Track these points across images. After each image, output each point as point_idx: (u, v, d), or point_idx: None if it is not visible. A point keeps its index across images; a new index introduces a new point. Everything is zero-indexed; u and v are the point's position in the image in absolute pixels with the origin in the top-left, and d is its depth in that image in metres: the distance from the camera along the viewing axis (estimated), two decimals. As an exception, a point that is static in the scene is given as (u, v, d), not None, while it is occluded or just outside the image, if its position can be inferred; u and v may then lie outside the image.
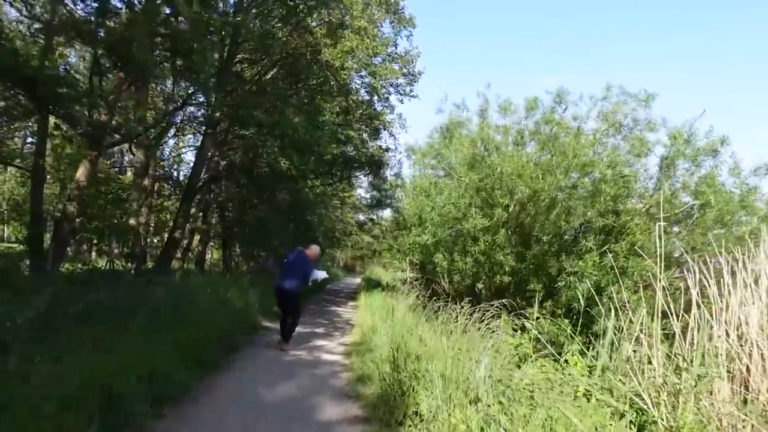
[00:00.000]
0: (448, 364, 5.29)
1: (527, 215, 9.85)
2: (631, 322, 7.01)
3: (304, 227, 22.62)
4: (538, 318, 10.35)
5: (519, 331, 7.83)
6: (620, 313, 8.76)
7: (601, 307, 9.16)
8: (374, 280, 25.17)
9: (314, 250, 9.06)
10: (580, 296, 8.78)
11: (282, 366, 7.21)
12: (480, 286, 10.40)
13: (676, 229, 9.03)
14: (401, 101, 25.86)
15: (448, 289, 14.64)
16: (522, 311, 10.40)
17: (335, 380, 6.67)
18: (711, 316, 5.78)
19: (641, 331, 6.50)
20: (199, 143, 16.37)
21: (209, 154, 16.48)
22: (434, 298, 16.31)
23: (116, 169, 25.26)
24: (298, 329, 10.98)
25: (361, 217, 30.42)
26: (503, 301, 11.15)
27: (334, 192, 26.40)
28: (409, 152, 16.32)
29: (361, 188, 29.67)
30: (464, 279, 10.48)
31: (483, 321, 9.36)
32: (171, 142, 23.83)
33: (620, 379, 5.50)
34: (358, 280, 36.83)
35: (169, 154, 25.25)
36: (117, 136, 13.07)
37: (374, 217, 22.74)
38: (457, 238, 10.72)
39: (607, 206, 9.05)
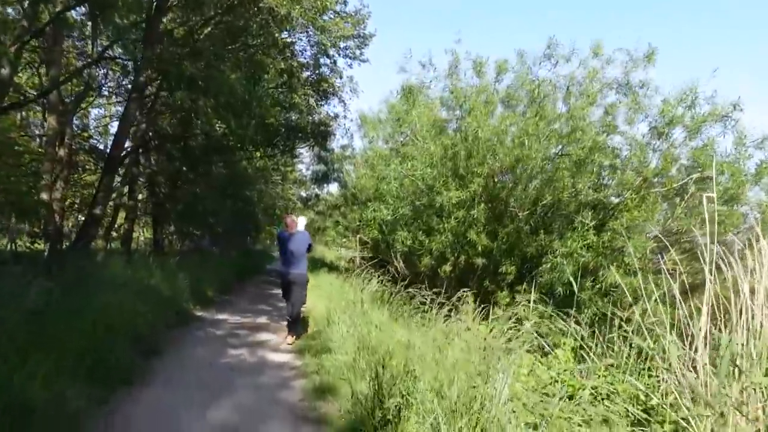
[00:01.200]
0: (444, 378, 3.96)
1: (503, 188, 8.63)
2: (644, 311, 5.92)
3: (243, 204, 20.80)
4: (518, 303, 9.23)
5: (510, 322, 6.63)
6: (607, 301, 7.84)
7: (590, 291, 8.18)
8: (318, 259, 23.61)
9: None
10: (572, 280, 7.65)
11: (217, 374, 5.66)
12: (447, 268, 9.17)
13: (667, 206, 8.04)
14: (350, 65, 24.10)
15: (403, 270, 13.35)
16: (500, 296, 9.29)
17: (287, 393, 5.20)
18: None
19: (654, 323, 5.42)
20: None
21: (135, 121, 14.36)
22: (388, 281, 15.17)
23: (27, 136, 22.37)
24: (237, 319, 9.46)
25: (304, 193, 28.60)
26: (470, 286, 10.10)
27: (275, 166, 24.56)
28: (362, 122, 14.82)
29: (303, 164, 27.89)
30: (433, 260, 9.20)
31: (455, 310, 8.22)
32: (97, 111, 21.26)
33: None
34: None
35: (96, 124, 22.59)
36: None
37: (319, 192, 21.14)
38: (422, 213, 9.41)
39: (600, 179, 7.92)
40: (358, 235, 15.41)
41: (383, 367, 3.96)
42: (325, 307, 8.74)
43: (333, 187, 21.58)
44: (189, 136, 15.78)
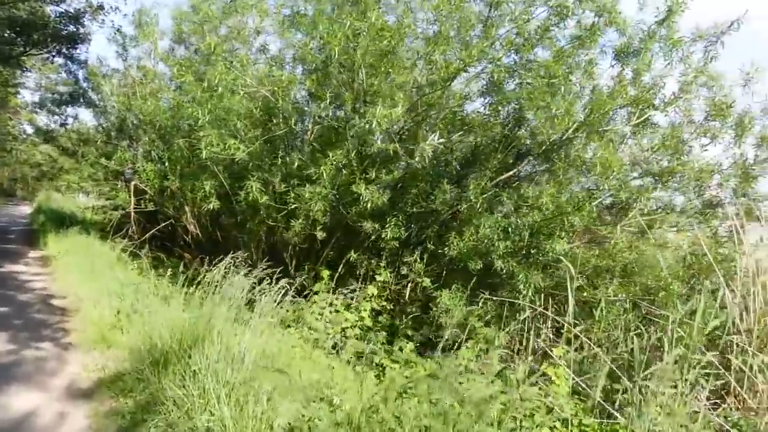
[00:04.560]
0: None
1: (430, 105, 5.82)
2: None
3: None
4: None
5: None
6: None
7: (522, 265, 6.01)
8: (56, 211, 17.64)
9: None
10: (500, 249, 5.36)
11: None
12: (320, 234, 6.13)
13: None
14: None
15: (197, 235, 9.77)
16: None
17: None
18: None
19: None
20: None
21: None
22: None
23: None
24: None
25: (43, 122, 20.87)
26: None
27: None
28: (140, 21, 10.29)
29: (28, 89, 20.57)
30: (304, 222, 5.99)
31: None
32: None
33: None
34: (26, 210, 27.38)
35: None
36: None
37: (66, 121, 15.09)
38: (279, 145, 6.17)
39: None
40: (133, 183, 11.03)
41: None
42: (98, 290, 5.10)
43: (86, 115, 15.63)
44: None
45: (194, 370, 3.32)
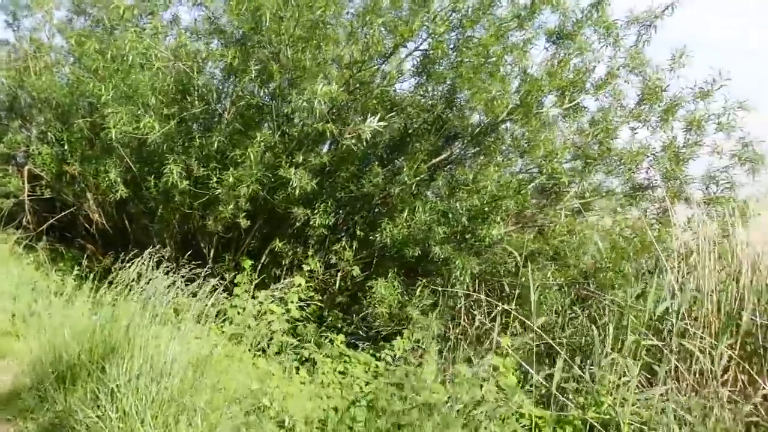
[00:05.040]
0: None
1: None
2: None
3: None
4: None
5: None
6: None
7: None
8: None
9: None
10: (439, 235, 5.13)
11: None
12: (243, 222, 5.59)
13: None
14: None
15: (101, 224, 8.89)
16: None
17: None
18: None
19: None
20: None
21: None
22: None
23: None
24: None
25: None
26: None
27: None
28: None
29: None
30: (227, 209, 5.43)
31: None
32: None
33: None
34: None
35: None
36: None
37: None
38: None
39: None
40: (26, 168, 9.91)
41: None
42: None
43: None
44: None
45: (111, 388, 2.78)
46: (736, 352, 3.75)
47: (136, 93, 5.31)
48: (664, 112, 5.73)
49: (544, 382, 3.48)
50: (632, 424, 2.98)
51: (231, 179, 5.18)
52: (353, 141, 4.92)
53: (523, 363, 3.82)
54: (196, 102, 5.75)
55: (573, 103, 5.92)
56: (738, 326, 3.83)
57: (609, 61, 5.93)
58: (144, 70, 5.27)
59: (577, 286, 5.34)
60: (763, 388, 3.52)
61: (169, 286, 4.01)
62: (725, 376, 3.70)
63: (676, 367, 3.60)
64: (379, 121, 4.83)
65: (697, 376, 3.60)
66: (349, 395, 4.40)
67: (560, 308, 5.15)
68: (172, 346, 2.99)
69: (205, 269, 4.74)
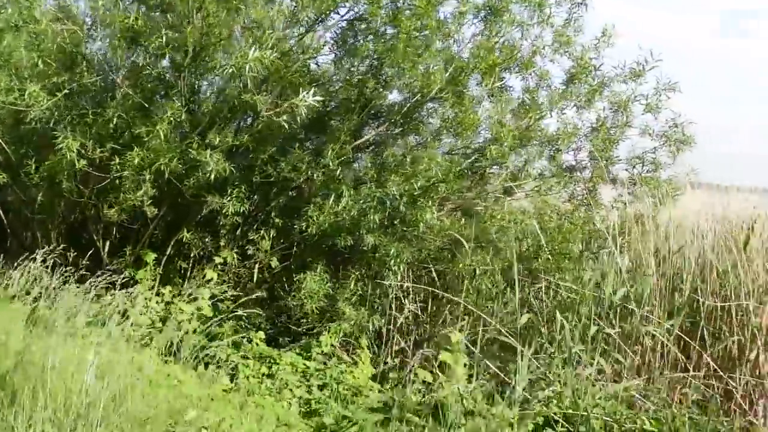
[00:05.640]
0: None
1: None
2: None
3: None
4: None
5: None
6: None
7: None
8: None
9: None
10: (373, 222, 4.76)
11: None
12: (149, 209, 4.84)
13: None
14: None
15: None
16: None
17: None
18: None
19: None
20: None
21: None
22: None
23: None
24: None
25: None
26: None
27: None
28: None
29: None
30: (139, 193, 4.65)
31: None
32: None
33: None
34: None
35: None
36: None
37: None
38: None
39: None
40: None
41: None
42: None
43: None
44: None
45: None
46: (679, 330, 3.73)
47: (10, 58, 4.45)
48: (590, 92, 5.70)
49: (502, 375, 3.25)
50: (597, 417, 2.81)
51: (136, 160, 4.48)
52: (284, 118, 4.40)
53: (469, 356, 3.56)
54: (85, 73, 4.94)
55: (501, 83, 5.75)
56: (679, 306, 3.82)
57: (535, 39, 5.80)
58: (20, 32, 4.41)
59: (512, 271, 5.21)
60: (707, 364, 3.53)
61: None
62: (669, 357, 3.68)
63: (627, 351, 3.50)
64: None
65: (647, 358, 3.54)
66: (281, 401, 4.00)
67: (495, 294, 4.99)
68: (89, 372, 2.28)
69: (102, 265, 4.11)
